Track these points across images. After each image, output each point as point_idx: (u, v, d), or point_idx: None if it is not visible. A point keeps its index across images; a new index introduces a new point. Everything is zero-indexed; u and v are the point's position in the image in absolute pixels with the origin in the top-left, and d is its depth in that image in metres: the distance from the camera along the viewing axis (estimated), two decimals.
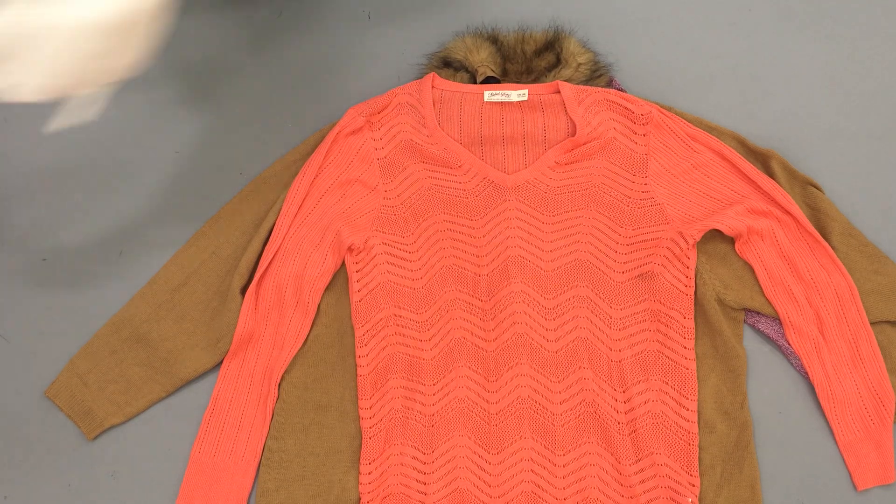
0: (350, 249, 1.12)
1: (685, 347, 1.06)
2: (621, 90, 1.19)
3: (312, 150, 1.17)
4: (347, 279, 1.12)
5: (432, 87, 1.14)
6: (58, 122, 0.91)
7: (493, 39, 1.17)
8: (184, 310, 1.12)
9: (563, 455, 1.05)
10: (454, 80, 1.17)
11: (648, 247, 1.10)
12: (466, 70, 1.17)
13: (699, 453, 1.04)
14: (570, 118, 1.12)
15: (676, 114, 1.16)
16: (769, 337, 1.09)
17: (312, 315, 1.10)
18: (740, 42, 1.24)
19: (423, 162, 1.13)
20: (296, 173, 1.16)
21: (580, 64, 1.17)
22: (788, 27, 1.24)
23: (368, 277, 1.11)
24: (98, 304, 1.15)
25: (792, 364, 1.09)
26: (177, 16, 1.30)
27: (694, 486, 1.02)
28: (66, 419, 1.10)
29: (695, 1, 1.26)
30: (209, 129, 1.24)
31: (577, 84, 1.16)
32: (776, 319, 1.09)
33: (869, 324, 1.07)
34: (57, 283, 1.17)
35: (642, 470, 1.04)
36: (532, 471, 1.05)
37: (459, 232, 1.12)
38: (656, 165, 1.12)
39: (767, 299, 1.08)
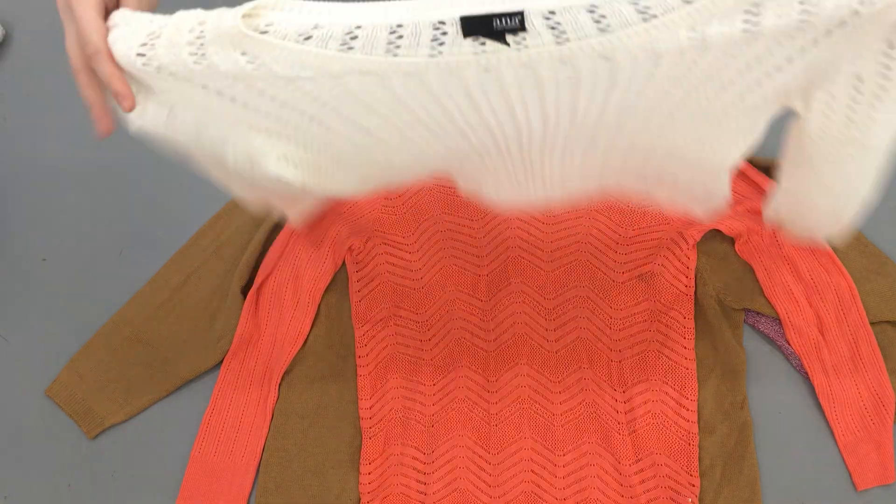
0: (350, 249, 1.12)
1: (685, 348, 1.06)
2: None
3: None
4: (347, 279, 1.12)
5: None
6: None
7: None
8: (184, 309, 1.12)
9: (563, 455, 1.05)
10: None
11: (648, 247, 1.10)
12: None
13: (699, 453, 1.04)
14: None
15: None
16: (769, 337, 1.09)
17: (312, 315, 1.10)
18: None
19: None
20: None
21: None
22: None
23: (368, 277, 1.11)
24: (98, 304, 1.15)
25: (792, 364, 1.09)
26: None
27: (694, 486, 1.02)
28: (67, 419, 1.10)
29: None
30: None
31: None
32: (776, 319, 1.09)
33: (869, 324, 1.07)
34: (57, 283, 1.17)
35: (642, 470, 1.03)
36: (532, 471, 1.05)
37: (459, 232, 1.12)
38: None
39: (767, 299, 1.08)
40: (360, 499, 1.04)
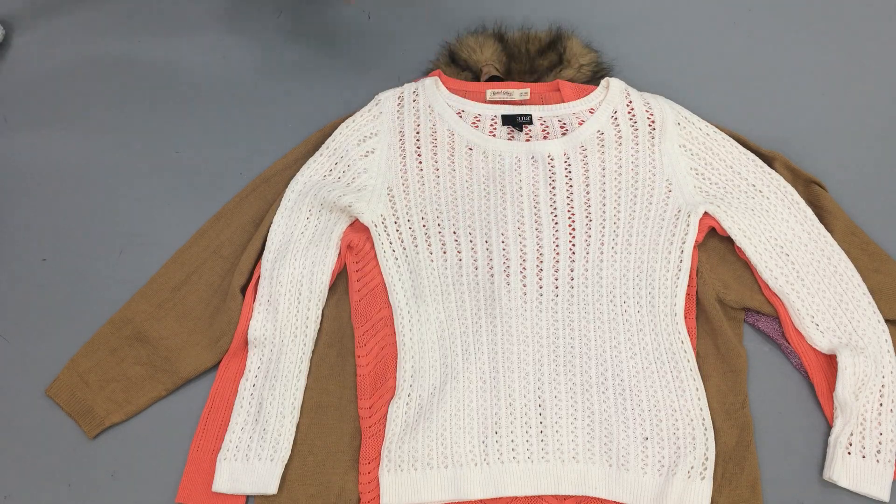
0: (350, 248, 1.12)
1: (686, 349, 1.06)
2: None
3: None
4: (347, 279, 1.12)
5: (437, 85, 1.15)
6: None
7: (499, 37, 1.17)
8: (184, 308, 1.12)
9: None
10: (459, 79, 1.17)
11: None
12: (471, 70, 1.17)
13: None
14: None
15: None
16: (769, 336, 1.09)
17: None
18: (740, 42, 1.24)
19: None
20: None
21: (582, 65, 1.17)
22: (788, 27, 1.24)
23: (368, 277, 1.11)
24: (98, 304, 1.15)
25: (792, 364, 1.09)
26: (177, 18, 1.30)
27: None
28: (67, 418, 1.10)
29: (695, 1, 1.26)
30: (209, 129, 1.24)
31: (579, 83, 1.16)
32: (776, 319, 1.09)
33: None
34: (57, 283, 1.17)
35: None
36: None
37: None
38: None
39: (767, 298, 1.08)
40: (359, 499, 1.04)
